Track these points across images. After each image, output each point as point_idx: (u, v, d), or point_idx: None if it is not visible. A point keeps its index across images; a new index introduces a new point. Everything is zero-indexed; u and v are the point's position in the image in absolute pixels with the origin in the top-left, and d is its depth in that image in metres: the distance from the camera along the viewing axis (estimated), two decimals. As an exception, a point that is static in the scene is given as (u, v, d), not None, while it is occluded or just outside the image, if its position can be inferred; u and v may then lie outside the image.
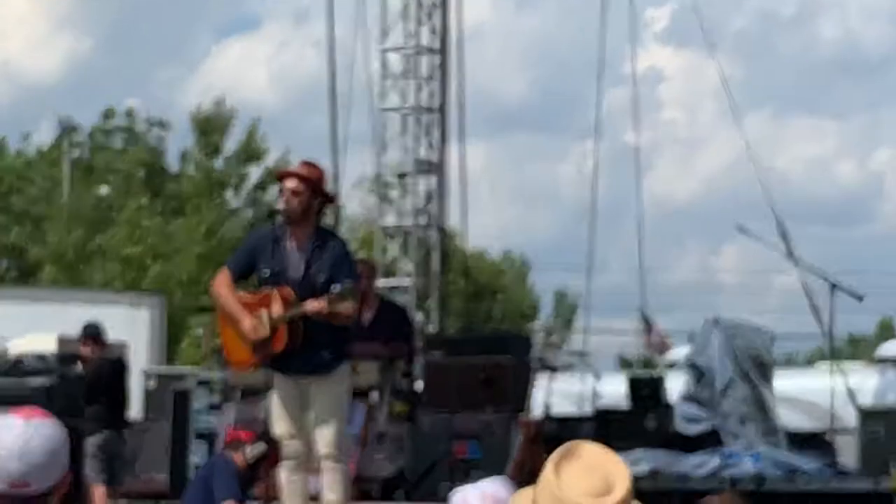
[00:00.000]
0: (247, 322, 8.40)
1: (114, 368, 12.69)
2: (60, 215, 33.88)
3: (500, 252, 50.98)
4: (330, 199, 9.07)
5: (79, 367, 12.33)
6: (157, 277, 31.64)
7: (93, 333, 12.69)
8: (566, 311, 56.62)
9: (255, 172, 35.68)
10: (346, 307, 8.33)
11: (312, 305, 8.29)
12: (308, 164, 8.78)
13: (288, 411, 8.52)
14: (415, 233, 16.31)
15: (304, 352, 8.45)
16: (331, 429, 8.41)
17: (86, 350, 12.54)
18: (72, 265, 32.83)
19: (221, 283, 8.68)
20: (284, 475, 8.53)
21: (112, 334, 13.15)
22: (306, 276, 8.50)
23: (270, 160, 34.93)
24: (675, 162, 64.77)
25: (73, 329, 12.66)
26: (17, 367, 11.56)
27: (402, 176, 16.54)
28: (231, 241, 31.75)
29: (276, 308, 8.37)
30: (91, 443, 12.13)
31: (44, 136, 39.76)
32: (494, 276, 46.39)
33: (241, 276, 8.73)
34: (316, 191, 8.56)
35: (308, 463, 8.69)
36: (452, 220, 17.54)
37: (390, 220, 16.66)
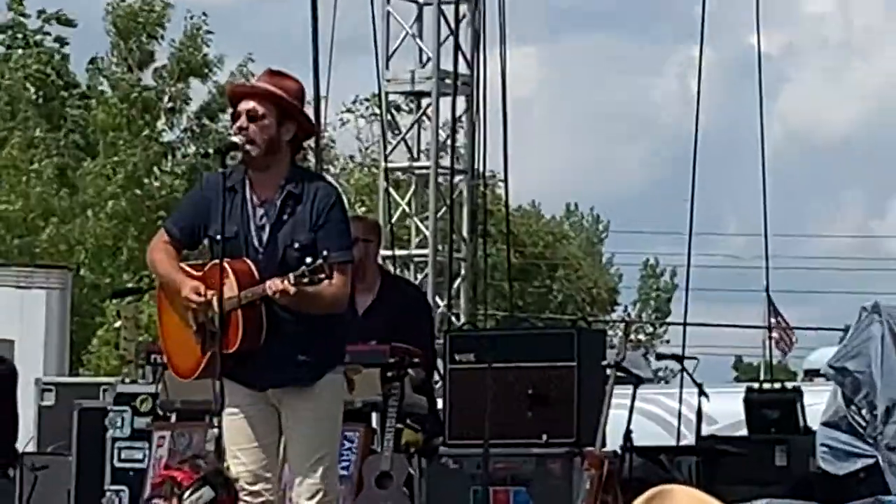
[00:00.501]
0: (188, 286, 8.42)
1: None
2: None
3: (560, 209, 51.13)
4: (310, 128, 9.10)
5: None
6: (53, 245, 31.76)
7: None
8: (658, 294, 56.77)
9: (199, 91, 35.82)
10: (327, 289, 8.34)
11: (275, 285, 8.30)
12: (275, 74, 8.80)
13: (249, 441, 8.56)
14: (435, 179, 16.34)
15: (271, 353, 8.48)
16: (312, 468, 8.47)
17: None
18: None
19: (158, 249, 8.74)
20: (243, 535, 8.58)
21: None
22: (272, 242, 8.53)
23: (223, 75, 35.06)
24: (824, 77, 64.78)
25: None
26: None
27: (416, 95, 16.57)
28: (164, 192, 31.86)
29: (227, 288, 8.39)
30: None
31: None
32: (552, 245, 46.50)
33: (187, 243, 8.76)
34: (287, 115, 8.58)
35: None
36: (490, 163, 17.56)
37: (399, 159, 16.70)
